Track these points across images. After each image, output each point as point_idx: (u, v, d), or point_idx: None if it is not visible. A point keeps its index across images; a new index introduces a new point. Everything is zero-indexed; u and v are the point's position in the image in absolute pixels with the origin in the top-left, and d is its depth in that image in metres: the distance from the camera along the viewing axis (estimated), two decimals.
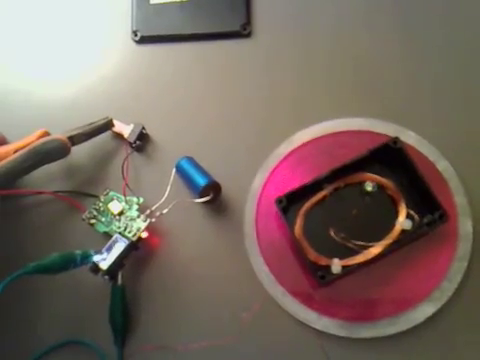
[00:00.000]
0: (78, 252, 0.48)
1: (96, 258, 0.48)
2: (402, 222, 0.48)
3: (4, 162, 0.48)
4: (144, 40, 0.60)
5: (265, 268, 0.51)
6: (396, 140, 0.49)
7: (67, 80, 0.60)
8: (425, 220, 0.48)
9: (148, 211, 0.52)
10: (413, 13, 0.58)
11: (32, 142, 0.51)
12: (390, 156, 0.49)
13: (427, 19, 0.58)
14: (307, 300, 0.49)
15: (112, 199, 0.54)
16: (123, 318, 0.50)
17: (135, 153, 0.56)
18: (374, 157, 0.49)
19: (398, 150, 0.49)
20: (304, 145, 0.54)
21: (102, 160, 0.57)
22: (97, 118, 0.56)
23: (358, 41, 0.58)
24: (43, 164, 0.51)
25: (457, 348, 0.48)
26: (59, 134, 0.52)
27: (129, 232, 0.51)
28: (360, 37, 0.58)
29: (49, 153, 0.50)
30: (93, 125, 0.55)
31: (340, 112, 0.54)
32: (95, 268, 0.49)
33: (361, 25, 0.58)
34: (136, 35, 0.60)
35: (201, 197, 0.52)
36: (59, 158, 0.52)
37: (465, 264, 0.49)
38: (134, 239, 0.50)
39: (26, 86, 0.61)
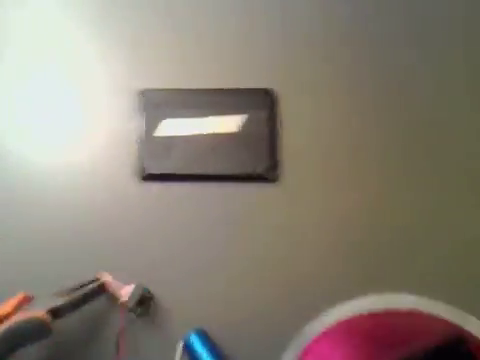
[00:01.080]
0: None
1: None
2: None
3: None
4: (151, 177, 0.51)
5: None
6: (461, 342, 0.40)
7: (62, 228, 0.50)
8: None
9: None
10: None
11: (12, 311, 0.41)
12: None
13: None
14: None
15: None
16: None
17: (134, 318, 0.46)
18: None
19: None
20: (340, 325, 0.45)
21: (92, 329, 0.47)
22: (94, 269, 0.46)
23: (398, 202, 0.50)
24: (21, 347, 0.40)
25: None
26: (39, 309, 0.41)
27: None
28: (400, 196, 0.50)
29: (26, 336, 0.41)
30: (83, 290, 0.45)
31: (378, 285, 0.46)
32: None
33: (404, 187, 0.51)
34: (142, 171, 0.51)
35: None
36: (39, 340, 0.42)
37: None
38: None
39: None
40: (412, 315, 0.44)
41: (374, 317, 0.45)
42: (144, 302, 0.46)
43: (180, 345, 0.44)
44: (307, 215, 0.50)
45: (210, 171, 0.51)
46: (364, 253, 0.48)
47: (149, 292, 0.47)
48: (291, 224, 0.49)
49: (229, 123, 0.52)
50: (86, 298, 0.45)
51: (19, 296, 0.44)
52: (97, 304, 0.47)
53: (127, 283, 0.46)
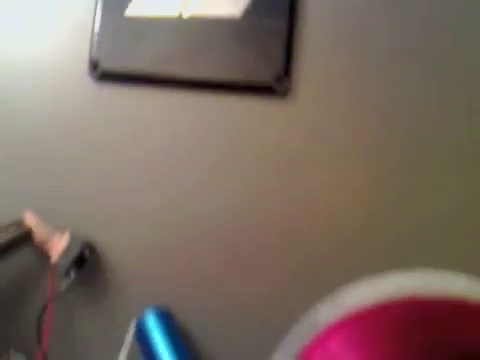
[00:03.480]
0: None
1: None
2: None
3: None
4: (106, 77, 0.35)
5: None
6: None
7: None
8: None
9: None
10: None
11: None
12: None
13: None
14: None
15: None
16: None
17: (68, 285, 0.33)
18: None
19: None
20: (361, 316, 0.30)
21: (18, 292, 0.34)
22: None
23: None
24: None
25: None
26: None
27: None
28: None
29: None
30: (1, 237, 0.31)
31: (416, 251, 0.31)
32: None
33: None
34: (95, 68, 0.35)
35: None
36: None
37: None
38: None
39: None
40: (464, 306, 0.29)
41: (409, 305, 0.29)
42: (82, 264, 0.32)
43: (132, 326, 0.31)
44: (322, 145, 0.33)
45: (195, 74, 0.34)
46: (396, 202, 0.32)
47: (91, 247, 0.32)
48: (300, 156, 0.33)
49: (229, 4, 0.34)
50: (6, 249, 0.31)
51: None
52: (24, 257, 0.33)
53: (63, 230, 0.32)
